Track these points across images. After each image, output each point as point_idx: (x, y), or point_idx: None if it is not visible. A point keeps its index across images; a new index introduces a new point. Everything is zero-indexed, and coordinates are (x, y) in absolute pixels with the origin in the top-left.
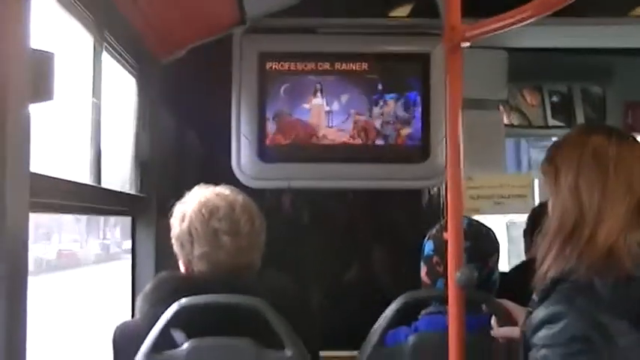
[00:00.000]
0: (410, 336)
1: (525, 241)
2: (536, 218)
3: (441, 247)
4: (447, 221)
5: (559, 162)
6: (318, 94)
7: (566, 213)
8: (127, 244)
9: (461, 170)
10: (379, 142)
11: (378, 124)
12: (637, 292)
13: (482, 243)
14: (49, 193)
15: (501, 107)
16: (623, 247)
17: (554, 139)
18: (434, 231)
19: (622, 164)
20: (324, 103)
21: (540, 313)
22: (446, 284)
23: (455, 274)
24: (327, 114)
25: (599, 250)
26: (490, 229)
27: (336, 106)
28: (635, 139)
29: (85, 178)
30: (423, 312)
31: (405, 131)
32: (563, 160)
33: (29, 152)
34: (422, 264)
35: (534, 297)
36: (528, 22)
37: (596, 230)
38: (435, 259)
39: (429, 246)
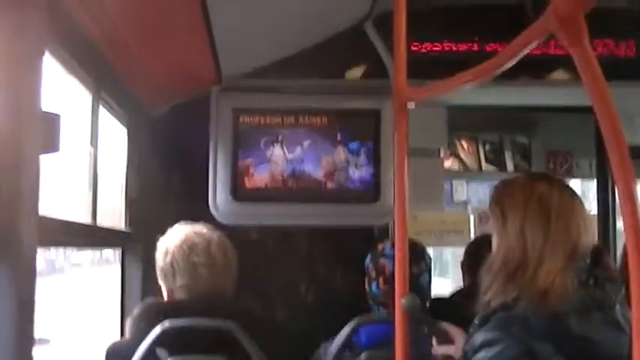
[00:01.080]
0: (362, 353)
1: (463, 272)
2: (474, 250)
3: (374, 258)
4: (392, 246)
5: (506, 205)
6: (284, 144)
7: (511, 253)
8: (76, 256)
9: (406, 213)
10: (336, 185)
11: (335, 170)
12: (564, 323)
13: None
14: (54, 232)
15: (442, 154)
16: (558, 287)
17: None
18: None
19: (562, 212)
20: (288, 153)
21: (480, 336)
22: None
23: (401, 300)
24: (291, 162)
25: (538, 288)
26: (419, 243)
27: (299, 154)
28: (571, 189)
29: (83, 217)
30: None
31: (359, 176)
32: (511, 205)
33: (38, 197)
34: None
35: (475, 321)
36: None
37: (538, 271)
38: (370, 267)
39: (367, 259)
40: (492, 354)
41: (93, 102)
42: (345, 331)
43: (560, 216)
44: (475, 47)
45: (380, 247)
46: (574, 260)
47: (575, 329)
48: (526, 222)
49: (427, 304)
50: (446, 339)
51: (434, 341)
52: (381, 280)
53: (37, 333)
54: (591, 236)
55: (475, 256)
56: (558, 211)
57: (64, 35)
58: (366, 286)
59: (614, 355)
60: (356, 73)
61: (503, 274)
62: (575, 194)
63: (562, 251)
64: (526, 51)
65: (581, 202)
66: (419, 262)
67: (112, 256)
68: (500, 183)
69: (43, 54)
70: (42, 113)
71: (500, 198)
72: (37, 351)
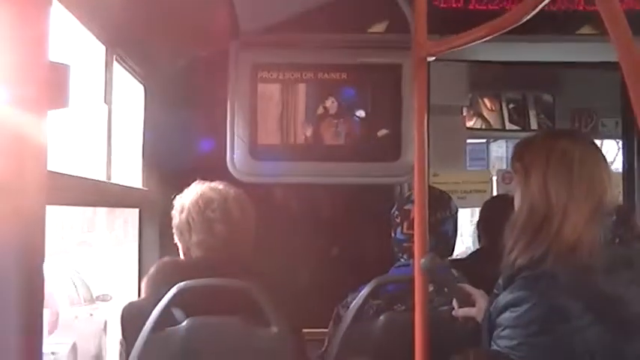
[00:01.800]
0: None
1: (478, 233)
2: (490, 210)
3: (400, 204)
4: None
5: (528, 162)
6: (304, 100)
7: (535, 208)
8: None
9: (426, 168)
10: (356, 142)
11: (356, 127)
12: (593, 279)
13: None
14: (64, 189)
15: (464, 112)
16: (586, 241)
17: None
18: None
19: (585, 167)
20: (307, 109)
21: (506, 297)
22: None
23: (420, 260)
24: (310, 118)
25: (564, 243)
26: (444, 192)
27: (319, 111)
28: (594, 143)
29: (98, 174)
30: (395, 265)
31: (380, 133)
32: (533, 161)
33: (46, 152)
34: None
35: (500, 282)
36: (485, 39)
37: (563, 225)
38: (396, 214)
39: (394, 207)
40: (518, 314)
41: (107, 56)
42: (364, 293)
43: (584, 170)
44: (498, 2)
45: (406, 193)
46: (600, 216)
47: (605, 286)
48: (549, 176)
49: (451, 253)
50: (467, 300)
51: (454, 303)
52: (405, 224)
53: (99, 290)
54: (616, 193)
55: (491, 217)
56: (581, 165)
57: None
58: (392, 234)
59: None
60: (379, 27)
61: (529, 231)
62: (598, 149)
63: (586, 205)
64: (546, 2)
65: (604, 158)
66: (444, 209)
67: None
68: (522, 140)
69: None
70: (49, 63)
71: (523, 154)
72: (99, 306)
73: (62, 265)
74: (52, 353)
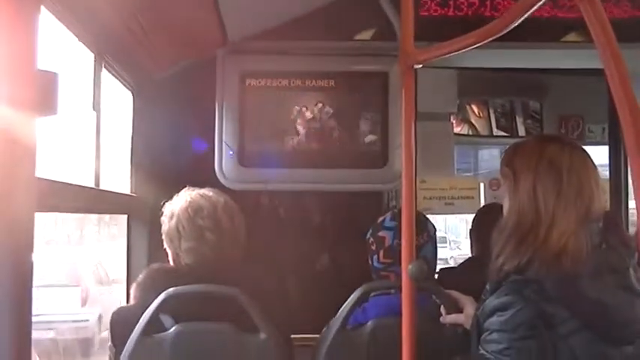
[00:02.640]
0: (368, 320)
1: (471, 239)
2: (482, 218)
3: (374, 230)
4: (398, 214)
5: (517, 167)
6: (291, 108)
7: (523, 214)
8: None
9: (413, 175)
10: (344, 149)
11: (343, 134)
12: (579, 285)
13: None
14: (52, 195)
15: (452, 119)
16: (572, 249)
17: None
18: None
19: (574, 172)
20: (295, 116)
21: (493, 301)
22: (394, 271)
23: (407, 267)
24: (298, 125)
25: (552, 249)
26: (421, 213)
27: (306, 118)
28: (583, 149)
29: (86, 181)
30: (372, 294)
31: (367, 140)
32: (522, 166)
33: (35, 159)
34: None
35: (487, 287)
36: (473, 47)
37: (551, 232)
38: (371, 240)
39: (369, 231)
40: (504, 318)
41: (95, 64)
42: (351, 300)
43: (572, 176)
44: (485, 10)
45: (379, 220)
46: (587, 222)
47: (589, 292)
48: (537, 182)
49: (434, 276)
50: (455, 307)
51: (442, 310)
52: (381, 253)
53: (113, 274)
54: (604, 199)
55: (484, 225)
56: (569, 171)
57: None
58: (369, 261)
59: (629, 319)
60: (365, 34)
61: (516, 237)
62: (587, 155)
63: (574, 212)
64: (534, 9)
65: (593, 164)
66: (421, 233)
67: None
68: (511, 145)
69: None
70: (37, 72)
71: (512, 160)
72: (115, 287)
73: (88, 253)
74: (85, 320)
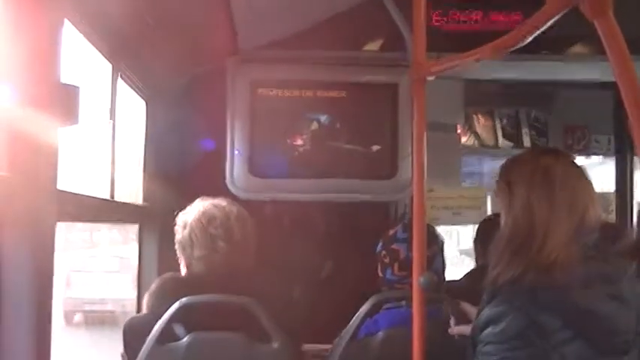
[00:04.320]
0: (379, 331)
1: (476, 249)
2: (487, 228)
3: (386, 243)
4: (409, 225)
5: (512, 179)
6: (301, 117)
7: (518, 225)
8: None
9: (424, 185)
10: (353, 160)
11: (353, 144)
12: (571, 296)
13: None
14: (71, 206)
15: (459, 129)
16: (563, 260)
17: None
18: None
19: (568, 184)
20: (306, 126)
21: (486, 312)
22: (409, 283)
23: (418, 278)
24: (309, 135)
25: (545, 260)
26: (429, 225)
27: (316, 128)
28: (576, 163)
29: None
30: (384, 306)
31: (376, 151)
32: (516, 178)
33: (56, 170)
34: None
35: (484, 297)
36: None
37: (545, 243)
38: (383, 253)
39: (379, 244)
40: (497, 330)
41: (112, 74)
42: (363, 310)
43: (566, 188)
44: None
45: (390, 232)
46: (581, 234)
47: (581, 302)
48: (532, 194)
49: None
50: (464, 319)
51: (451, 320)
52: (396, 266)
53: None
54: (599, 211)
55: (488, 235)
56: (563, 183)
57: (83, 6)
58: (380, 273)
59: (620, 329)
60: (374, 45)
61: (511, 248)
62: (581, 168)
63: (568, 223)
64: (547, 24)
65: (587, 176)
66: (431, 245)
67: None
68: (507, 159)
69: (62, 24)
70: (61, 85)
71: (507, 173)
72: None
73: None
74: (132, 298)
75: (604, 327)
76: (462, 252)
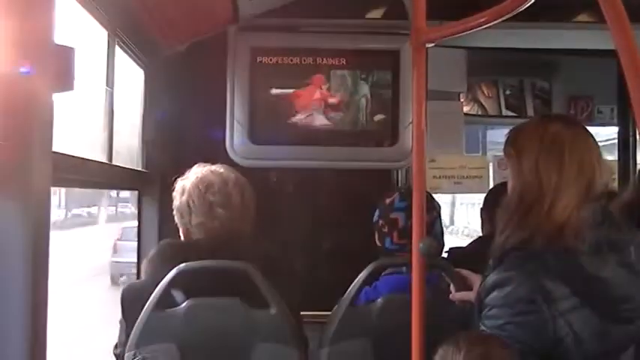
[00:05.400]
0: (379, 298)
1: (482, 220)
2: (494, 197)
3: (384, 212)
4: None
5: (520, 145)
6: (302, 85)
7: (527, 190)
8: None
9: (424, 153)
10: (355, 127)
11: (354, 112)
12: (580, 262)
13: None
14: (67, 170)
15: (461, 98)
16: (575, 223)
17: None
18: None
19: (576, 150)
20: (306, 94)
21: (493, 277)
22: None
23: (418, 244)
24: (309, 103)
25: (554, 223)
26: (427, 192)
27: (317, 96)
28: (585, 128)
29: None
30: (383, 273)
31: (377, 118)
32: (525, 145)
33: (52, 134)
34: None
35: (490, 263)
36: (485, 26)
37: (554, 205)
38: (381, 222)
39: (376, 213)
40: (504, 294)
41: (109, 41)
42: (362, 277)
43: (574, 153)
44: None
45: (387, 200)
46: (589, 198)
47: (589, 268)
48: (540, 159)
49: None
50: (464, 285)
51: (452, 287)
52: (395, 234)
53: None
54: (606, 177)
55: (494, 204)
56: (571, 148)
57: None
58: (377, 242)
59: (628, 297)
60: (376, 13)
61: (520, 211)
62: (589, 133)
63: (577, 187)
64: None
65: (595, 142)
66: (429, 211)
67: None
68: (515, 126)
69: None
70: (55, 46)
71: (515, 139)
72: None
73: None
74: None
75: (611, 294)
76: None
